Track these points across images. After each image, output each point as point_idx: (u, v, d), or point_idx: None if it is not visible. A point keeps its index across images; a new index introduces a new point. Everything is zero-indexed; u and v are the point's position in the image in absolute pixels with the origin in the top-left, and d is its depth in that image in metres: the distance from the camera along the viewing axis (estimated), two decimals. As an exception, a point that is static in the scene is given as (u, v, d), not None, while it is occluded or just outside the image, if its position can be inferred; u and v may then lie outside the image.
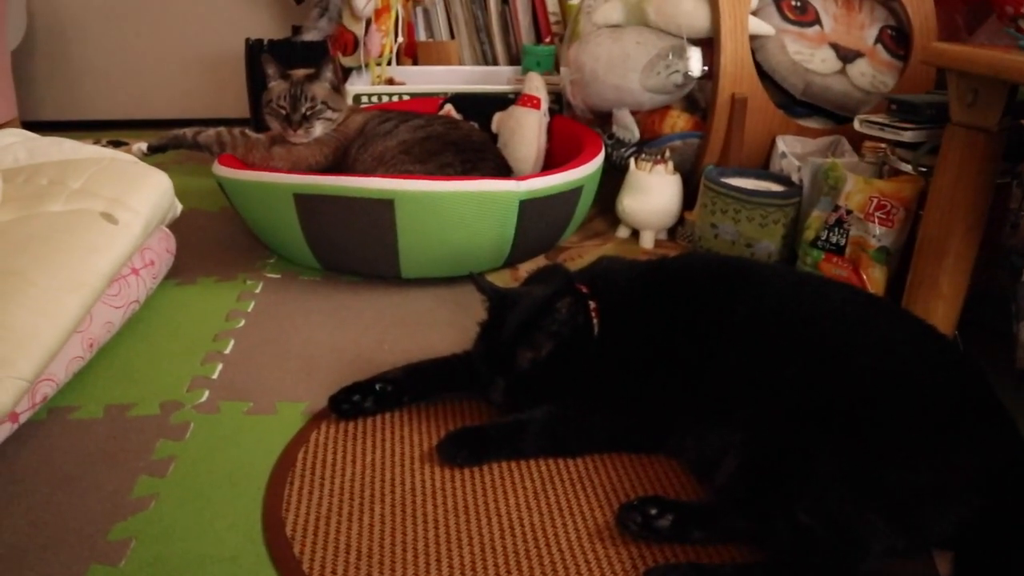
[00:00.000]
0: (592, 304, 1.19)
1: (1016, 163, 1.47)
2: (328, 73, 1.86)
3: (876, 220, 1.55)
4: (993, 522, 0.92)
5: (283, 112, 1.81)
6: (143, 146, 2.00)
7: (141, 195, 1.53)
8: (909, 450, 0.94)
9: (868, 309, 1.14)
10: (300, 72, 1.87)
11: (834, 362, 1.02)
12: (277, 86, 1.85)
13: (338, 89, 1.90)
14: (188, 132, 1.94)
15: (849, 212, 1.59)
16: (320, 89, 1.83)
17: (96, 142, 2.15)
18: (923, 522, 0.94)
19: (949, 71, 1.28)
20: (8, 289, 1.19)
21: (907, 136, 1.53)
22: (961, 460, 0.94)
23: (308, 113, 1.81)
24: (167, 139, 1.97)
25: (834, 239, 1.61)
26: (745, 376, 1.06)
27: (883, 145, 1.67)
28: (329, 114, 1.84)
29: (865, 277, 1.56)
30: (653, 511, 0.99)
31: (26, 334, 1.16)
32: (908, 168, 1.56)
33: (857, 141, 1.81)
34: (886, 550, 0.92)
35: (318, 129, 1.83)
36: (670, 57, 1.92)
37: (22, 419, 1.16)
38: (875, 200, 1.55)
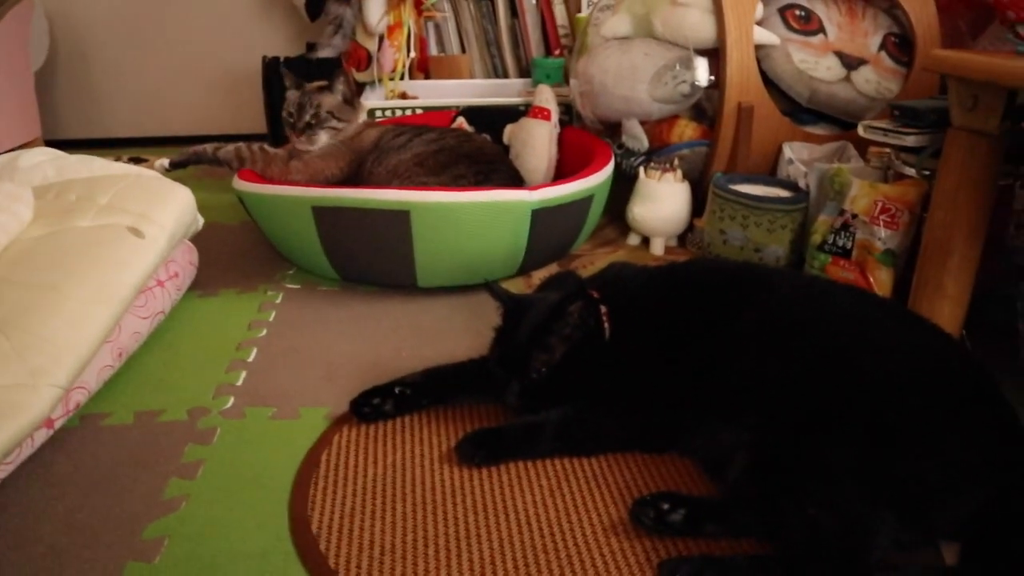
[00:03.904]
0: (603, 308, 1.22)
1: (1019, 165, 1.49)
2: (340, 85, 1.91)
3: (881, 223, 1.58)
4: (996, 514, 0.95)
5: (291, 120, 1.87)
6: (165, 162, 2.05)
7: (166, 210, 1.58)
8: (917, 445, 0.96)
9: (875, 310, 1.16)
10: (314, 84, 1.92)
11: (842, 362, 1.04)
12: (291, 95, 1.91)
13: (350, 101, 1.94)
14: (208, 148, 1.99)
15: (855, 216, 1.62)
16: (329, 99, 1.88)
17: (117, 159, 2.20)
18: (930, 515, 0.96)
19: (949, 77, 1.31)
20: (45, 303, 1.25)
21: (910, 141, 1.56)
22: (966, 454, 0.96)
23: (312, 121, 1.86)
24: (188, 155, 2.02)
25: (841, 243, 1.64)
26: (754, 376, 1.08)
27: (887, 150, 1.70)
28: (334, 123, 1.88)
29: (872, 279, 1.59)
30: (666, 506, 1.02)
31: (61, 344, 1.21)
32: (912, 172, 1.59)
33: (862, 146, 1.83)
34: (894, 542, 0.94)
35: (323, 137, 1.88)
36: (677, 68, 1.96)
37: (57, 425, 1.21)
38: (880, 204, 1.58)
